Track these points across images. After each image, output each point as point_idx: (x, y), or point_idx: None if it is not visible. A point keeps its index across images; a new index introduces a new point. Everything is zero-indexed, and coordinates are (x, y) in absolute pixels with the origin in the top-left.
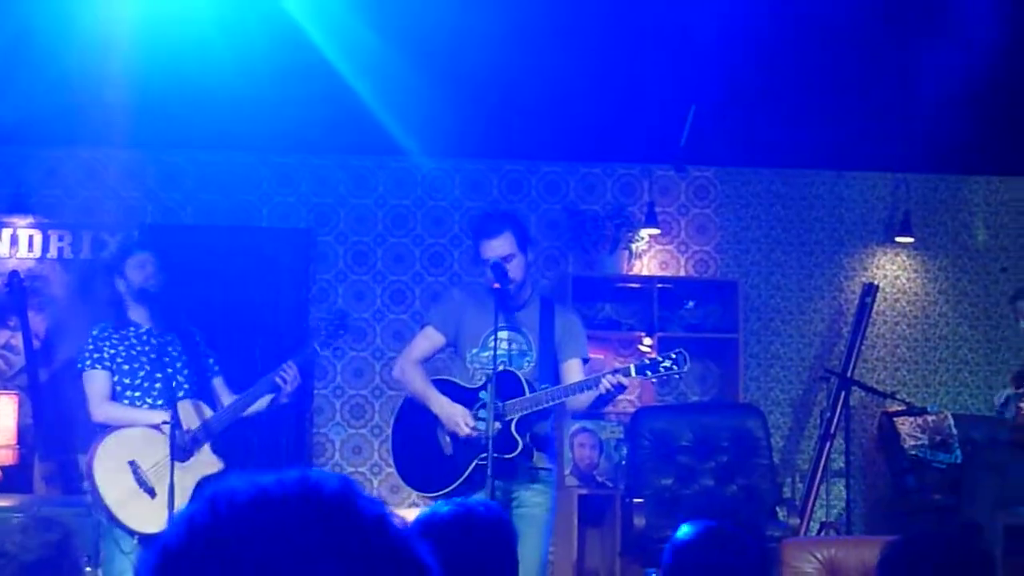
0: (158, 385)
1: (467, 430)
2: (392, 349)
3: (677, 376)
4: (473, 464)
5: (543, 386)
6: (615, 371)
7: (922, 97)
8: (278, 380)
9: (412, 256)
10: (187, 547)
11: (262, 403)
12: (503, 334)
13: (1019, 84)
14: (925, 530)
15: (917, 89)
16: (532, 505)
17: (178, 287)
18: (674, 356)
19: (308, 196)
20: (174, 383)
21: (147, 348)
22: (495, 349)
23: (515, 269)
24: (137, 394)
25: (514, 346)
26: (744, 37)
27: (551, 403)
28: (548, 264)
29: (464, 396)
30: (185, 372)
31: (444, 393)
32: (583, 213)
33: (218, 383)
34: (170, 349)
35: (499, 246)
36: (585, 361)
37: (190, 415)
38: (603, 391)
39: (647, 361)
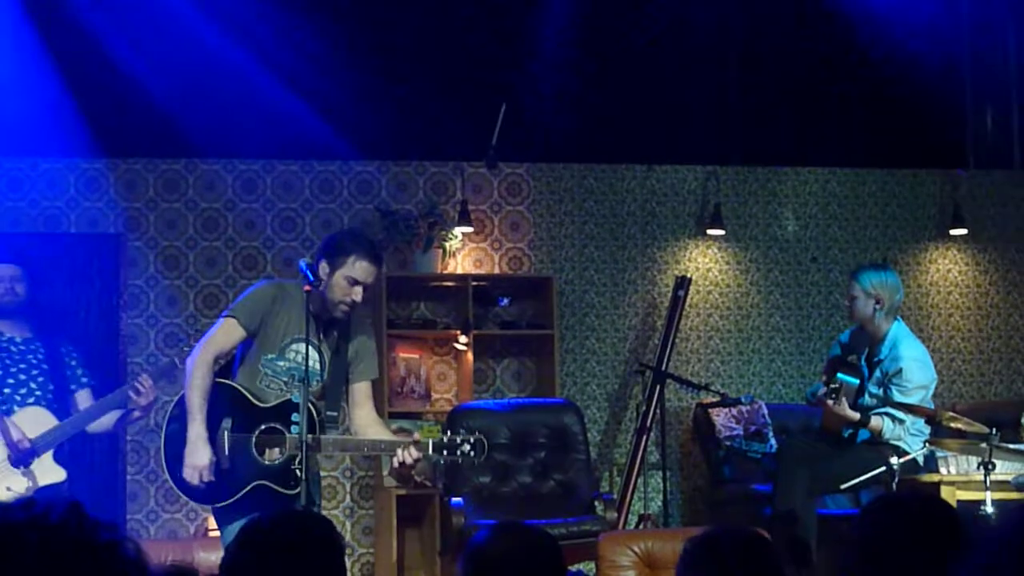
0: (6, 391)
1: (196, 482)
2: None
3: (473, 462)
4: (251, 487)
5: (330, 413)
6: (414, 443)
7: (728, 89)
8: (131, 393)
9: (224, 259)
10: None
11: (110, 419)
12: (301, 347)
13: (825, 79)
14: (722, 526)
15: (724, 81)
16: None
17: None
18: (472, 441)
19: (116, 201)
20: (23, 390)
21: (2, 355)
22: (306, 361)
23: (362, 297)
24: None
25: (310, 362)
26: (553, 34)
27: (340, 452)
28: None
29: (248, 412)
30: (40, 380)
31: (228, 401)
32: (395, 212)
33: (82, 396)
34: (30, 357)
35: (374, 275)
36: (374, 382)
37: (35, 423)
38: (395, 462)
39: (446, 440)
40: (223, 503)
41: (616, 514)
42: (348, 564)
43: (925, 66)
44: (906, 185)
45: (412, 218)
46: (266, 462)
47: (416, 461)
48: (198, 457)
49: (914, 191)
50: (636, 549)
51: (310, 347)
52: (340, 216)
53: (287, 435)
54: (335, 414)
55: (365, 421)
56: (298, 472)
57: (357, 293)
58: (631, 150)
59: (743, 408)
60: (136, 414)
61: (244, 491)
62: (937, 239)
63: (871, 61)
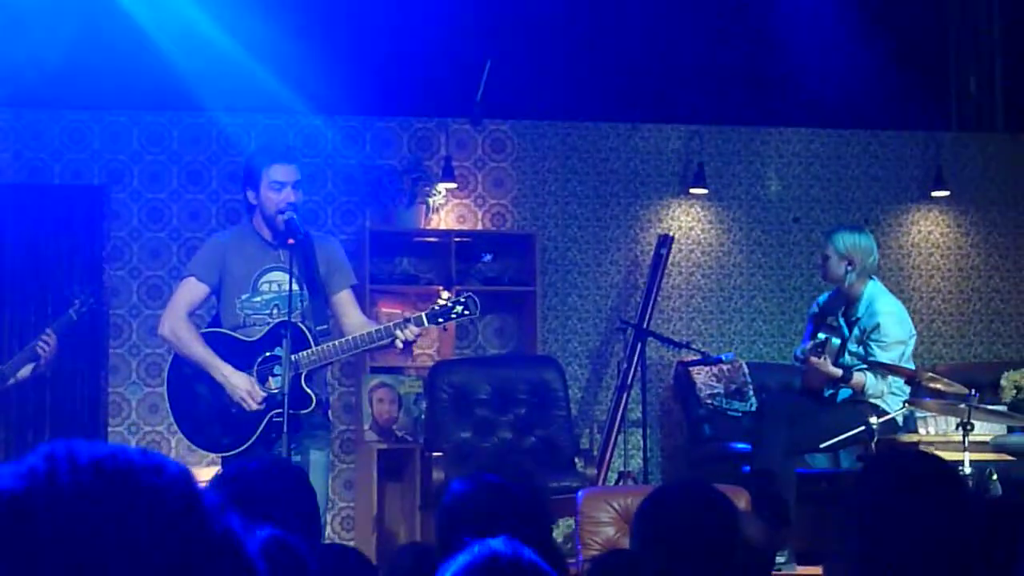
0: None
1: (255, 406)
2: None
3: (469, 320)
4: (264, 422)
5: (320, 327)
6: (407, 321)
7: (713, 48)
8: (38, 349)
9: (208, 212)
10: (24, 498)
11: (26, 371)
12: (275, 275)
13: (807, 38)
14: (678, 481)
15: (709, 40)
16: (318, 449)
17: None
18: (463, 300)
19: (101, 153)
20: None
21: None
22: (283, 295)
23: (299, 197)
24: None
25: (284, 287)
26: None
27: (341, 357)
28: (345, 219)
29: (241, 350)
30: None
31: (219, 347)
32: (380, 168)
33: None
34: None
35: (293, 172)
36: (354, 287)
37: None
38: (398, 344)
39: (437, 307)
40: (244, 446)
41: (596, 471)
42: (328, 518)
43: (908, 27)
44: (889, 147)
45: (396, 173)
46: (274, 390)
47: (417, 336)
48: (238, 388)
49: (897, 153)
50: (616, 506)
51: (279, 271)
52: (324, 171)
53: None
54: (325, 326)
55: (355, 324)
56: (307, 390)
57: (288, 194)
58: (615, 108)
59: (724, 367)
60: (42, 367)
61: (261, 426)
62: (919, 201)
63: (855, 20)
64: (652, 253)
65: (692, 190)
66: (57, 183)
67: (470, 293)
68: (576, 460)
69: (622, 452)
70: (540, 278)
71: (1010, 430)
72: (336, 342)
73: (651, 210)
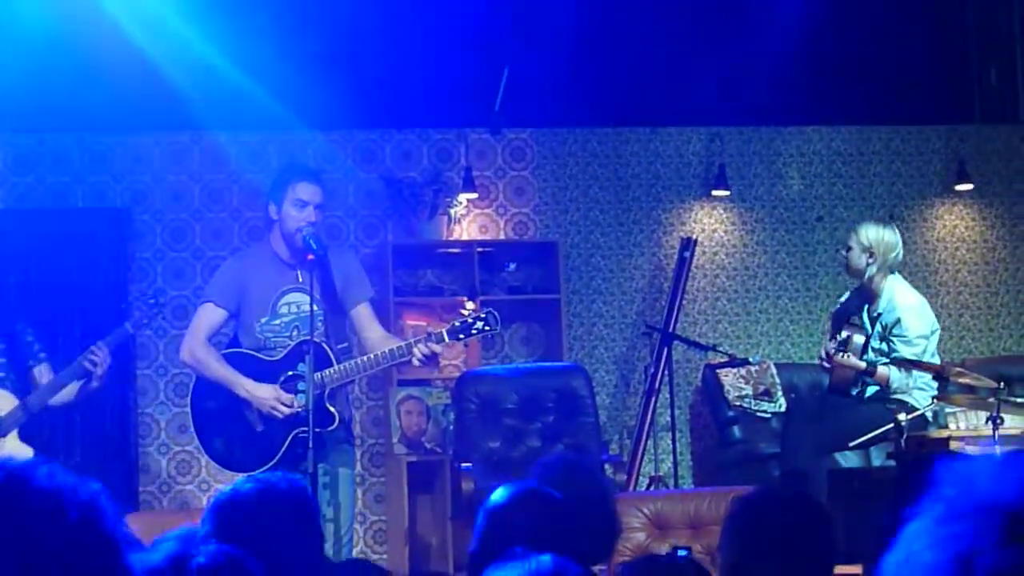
0: None
1: (286, 410)
2: None
3: (491, 335)
4: (289, 439)
5: (340, 345)
6: (428, 337)
7: (732, 50)
8: (87, 365)
9: (231, 231)
10: None
11: (71, 391)
12: (293, 296)
13: (826, 35)
14: (769, 487)
15: (727, 42)
16: (343, 465)
17: None
18: (484, 315)
19: (123, 175)
20: None
21: None
22: (304, 315)
23: (319, 218)
24: None
25: (304, 308)
26: None
27: (363, 374)
28: (368, 233)
29: (263, 369)
30: (1, 361)
31: (241, 367)
32: (400, 180)
33: (41, 371)
34: None
35: (317, 193)
36: (373, 300)
37: (4, 404)
38: (416, 362)
39: (458, 324)
40: (270, 463)
41: (626, 476)
42: (360, 531)
43: (927, 19)
44: (911, 141)
45: (417, 186)
46: (297, 408)
47: (437, 353)
48: (265, 399)
49: (919, 147)
50: (646, 511)
51: (297, 292)
52: (345, 185)
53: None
54: (344, 345)
55: (375, 340)
56: (330, 408)
57: (309, 213)
58: (634, 113)
59: (751, 368)
60: (94, 383)
61: (286, 444)
62: (943, 195)
63: (874, 16)
64: (676, 257)
65: (714, 192)
66: (81, 206)
67: (491, 309)
68: (606, 466)
69: (652, 457)
70: (564, 285)
71: None
72: (358, 360)
73: (673, 213)
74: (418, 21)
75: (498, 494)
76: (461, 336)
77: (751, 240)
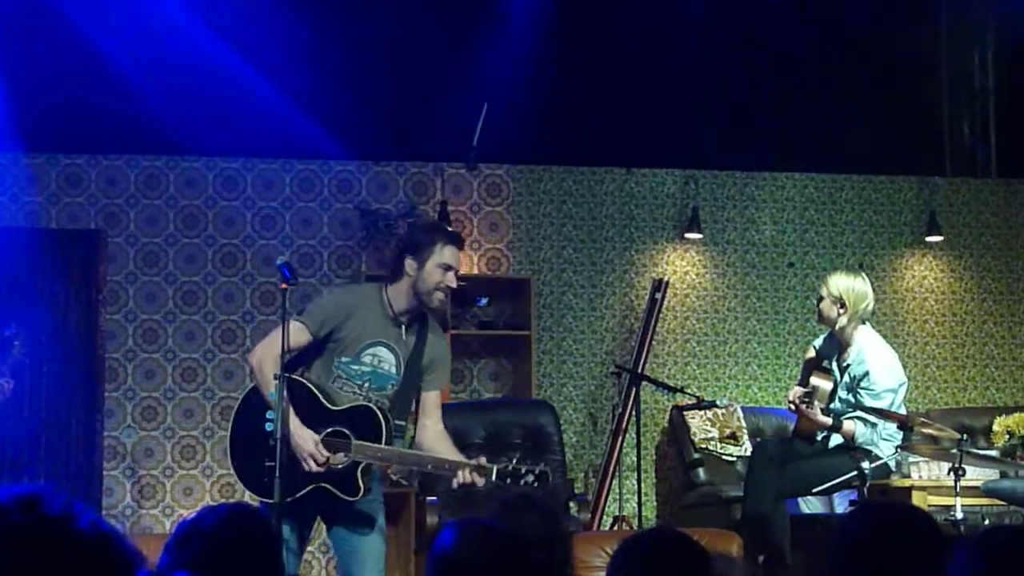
0: None
1: (315, 468)
2: (184, 351)
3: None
4: (310, 488)
5: (399, 422)
6: (477, 468)
7: (707, 94)
8: None
9: (204, 256)
10: None
11: None
12: (379, 350)
13: (801, 83)
14: (653, 528)
15: (698, 86)
16: (370, 502)
17: None
18: (537, 472)
19: (97, 196)
20: None
21: None
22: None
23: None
24: None
25: (384, 366)
26: (535, 36)
27: (401, 466)
28: (341, 263)
29: (316, 412)
30: None
31: (301, 398)
32: (375, 212)
33: None
34: None
35: (460, 259)
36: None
37: None
38: (454, 484)
39: (510, 468)
40: (285, 499)
41: (590, 515)
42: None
43: (901, 73)
44: (883, 191)
45: (392, 218)
46: (334, 465)
47: (475, 484)
48: (303, 445)
49: (891, 197)
50: (609, 550)
51: (386, 348)
52: (320, 215)
53: (353, 441)
54: (403, 423)
55: (433, 435)
56: (361, 482)
57: (451, 279)
58: (610, 153)
59: (718, 411)
60: None
61: (303, 492)
62: (913, 245)
63: (849, 66)
64: (647, 297)
65: (687, 235)
66: (54, 227)
67: (545, 469)
68: (571, 504)
69: (617, 496)
70: (535, 322)
71: (1002, 475)
72: (401, 451)
73: (646, 255)
74: (398, 56)
75: (444, 537)
76: (508, 480)
77: (722, 283)
